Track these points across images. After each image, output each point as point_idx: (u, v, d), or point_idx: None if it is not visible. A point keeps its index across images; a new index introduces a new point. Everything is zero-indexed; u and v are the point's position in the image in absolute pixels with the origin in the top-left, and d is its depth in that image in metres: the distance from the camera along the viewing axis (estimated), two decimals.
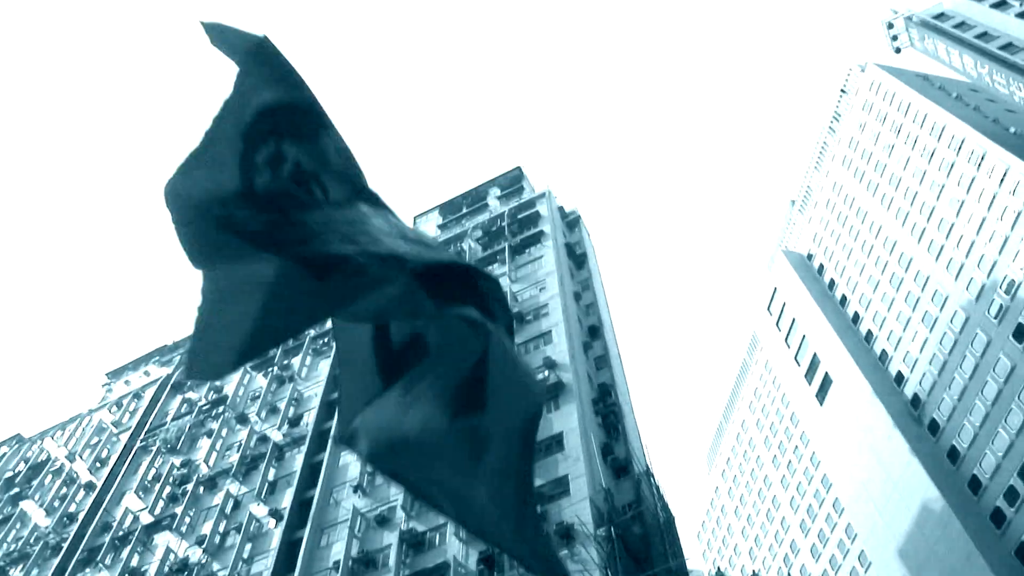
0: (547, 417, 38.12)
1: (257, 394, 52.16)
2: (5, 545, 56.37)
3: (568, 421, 37.18)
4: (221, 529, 42.86)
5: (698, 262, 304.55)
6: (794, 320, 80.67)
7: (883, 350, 70.07)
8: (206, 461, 48.37)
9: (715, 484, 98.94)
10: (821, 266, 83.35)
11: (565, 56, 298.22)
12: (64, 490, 59.00)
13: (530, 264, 50.03)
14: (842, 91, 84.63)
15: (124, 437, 58.74)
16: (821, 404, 73.84)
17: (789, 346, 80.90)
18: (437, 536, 35.24)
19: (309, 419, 47.08)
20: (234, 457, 47.39)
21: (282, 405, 48.97)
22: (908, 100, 73.30)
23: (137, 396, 63.67)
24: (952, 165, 66.19)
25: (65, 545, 51.90)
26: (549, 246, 50.53)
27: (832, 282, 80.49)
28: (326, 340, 53.85)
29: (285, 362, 53.53)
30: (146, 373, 68.24)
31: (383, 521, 37.01)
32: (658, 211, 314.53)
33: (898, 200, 72.10)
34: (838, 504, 72.10)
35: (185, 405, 56.50)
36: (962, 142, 65.50)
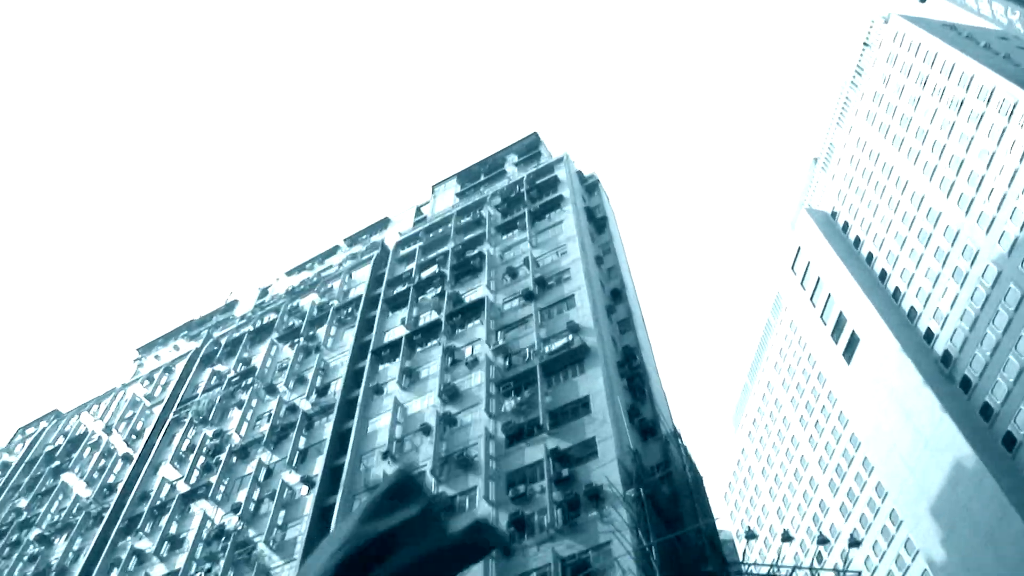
0: (572, 381, 38.27)
1: (284, 365, 52.75)
2: (49, 516, 57.88)
3: (594, 384, 37.27)
4: (255, 497, 43.65)
5: (719, 223, 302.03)
6: (819, 279, 79.95)
7: (911, 307, 69.29)
8: (238, 431, 49.15)
9: (741, 445, 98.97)
10: (846, 224, 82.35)
11: (579, 19, 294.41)
12: (103, 462, 60.32)
13: (550, 229, 49.88)
14: (865, 44, 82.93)
15: (157, 410, 59.78)
16: (848, 363, 73.33)
17: (815, 305, 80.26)
18: (467, 500, 35.63)
19: (336, 388, 47.59)
20: (264, 427, 48.12)
21: (309, 375, 49.52)
22: (934, 50, 71.72)
23: (168, 370, 64.64)
24: (982, 116, 64.83)
25: (106, 515, 53.18)
26: (569, 211, 50.32)
27: (857, 240, 79.55)
28: (350, 311, 54.22)
29: (311, 333, 54.02)
30: (176, 347, 69.21)
31: None
32: (677, 172, 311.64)
33: (925, 154, 70.86)
34: (867, 463, 71.87)
35: (215, 377, 57.28)
36: (992, 91, 64.07)
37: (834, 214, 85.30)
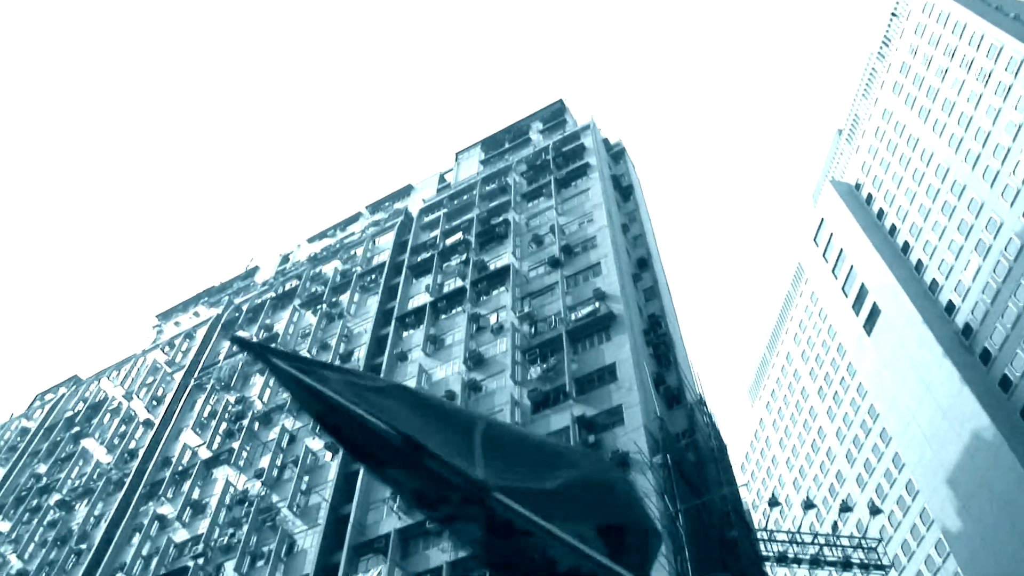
0: (598, 348, 38.12)
1: (307, 331, 52.79)
2: (70, 481, 58.34)
3: (620, 351, 37.13)
4: (278, 463, 43.83)
5: (741, 193, 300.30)
6: (842, 251, 79.37)
7: (933, 279, 68.77)
8: (260, 397, 49.31)
9: (759, 416, 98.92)
10: (869, 196, 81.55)
11: None
12: (123, 428, 60.67)
13: (576, 197, 49.53)
14: (892, 15, 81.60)
15: (178, 376, 60.01)
16: (869, 334, 72.96)
17: (836, 277, 79.73)
18: None
19: (360, 354, 47.62)
20: (286, 393, 48.17)
21: (332, 341, 49.55)
22: (964, 21, 70.46)
23: (189, 336, 64.81)
24: (1009, 88, 63.83)
25: (127, 480, 53.57)
26: (595, 178, 49.92)
27: (881, 212, 78.81)
28: (373, 277, 54.12)
29: (334, 299, 53.99)
30: (196, 314, 69.38)
31: None
32: (701, 142, 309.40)
33: (951, 126, 69.89)
34: (885, 434, 71.76)
35: (234, 344, 57.40)
36: (1020, 63, 63.02)
37: (858, 186, 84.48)
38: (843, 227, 79.91)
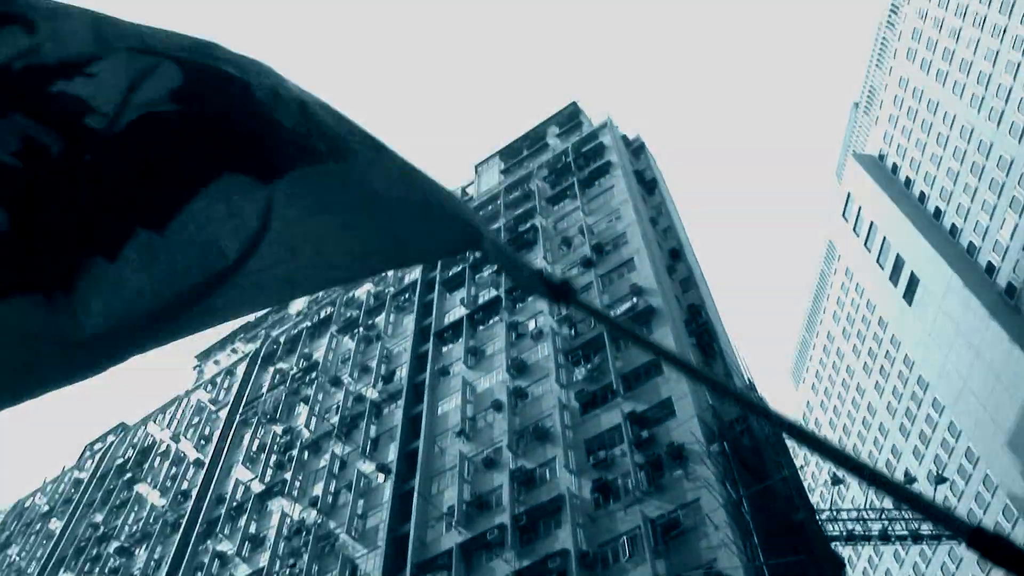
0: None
1: (346, 356, 52.90)
2: (127, 528, 58.83)
3: (663, 344, 36.74)
4: (332, 489, 43.85)
5: (764, 177, 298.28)
6: (872, 223, 78.34)
7: (970, 242, 67.60)
8: (307, 426, 49.42)
9: (805, 399, 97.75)
10: (895, 165, 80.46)
11: None
12: (174, 469, 61.12)
13: (601, 196, 49.32)
14: None
15: (223, 413, 60.39)
16: (910, 304, 71.86)
17: (870, 250, 78.70)
18: (547, 471, 35.40)
19: (402, 374, 47.61)
20: (333, 419, 48.31)
21: (373, 363, 49.58)
22: None
23: (230, 373, 65.26)
24: None
25: (183, 521, 53.89)
26: (618, 175, 49.68)
27: (908, 180, 77.70)
28: (407, 296, 54.20)
29: (369, 322, 54.12)
30: (234, 351, 69.89)
31: (491, 463, 37.31)
32: (718, 130, 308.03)
33: (971, 86, 68.82)
34: (937, 404, 70.53)
35: (278, 376, 57.67)
36: None
37: (881, 157, 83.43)
38: (871, 200, 78.92)
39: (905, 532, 36.47)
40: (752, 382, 38.70)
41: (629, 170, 51.58)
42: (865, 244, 79.80)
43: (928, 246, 68.84)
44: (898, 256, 73.66)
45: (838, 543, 35.36)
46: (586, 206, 48.65)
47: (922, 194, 75.03)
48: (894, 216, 74.35)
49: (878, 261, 77.29)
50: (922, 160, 75.53)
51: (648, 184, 53.00)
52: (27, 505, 77.55)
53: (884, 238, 76.09)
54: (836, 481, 37.60)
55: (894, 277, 74.33)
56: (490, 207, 56.41)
